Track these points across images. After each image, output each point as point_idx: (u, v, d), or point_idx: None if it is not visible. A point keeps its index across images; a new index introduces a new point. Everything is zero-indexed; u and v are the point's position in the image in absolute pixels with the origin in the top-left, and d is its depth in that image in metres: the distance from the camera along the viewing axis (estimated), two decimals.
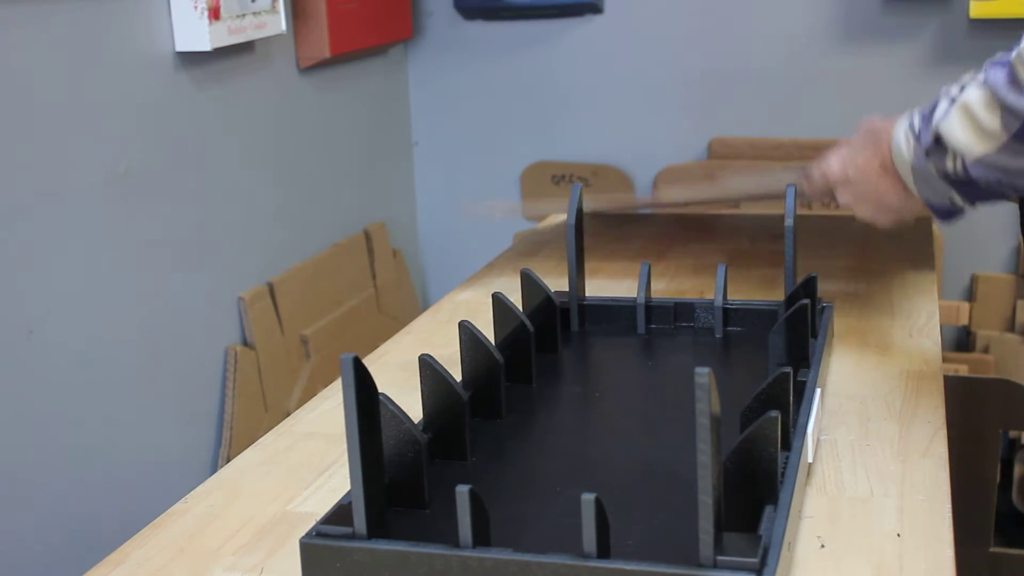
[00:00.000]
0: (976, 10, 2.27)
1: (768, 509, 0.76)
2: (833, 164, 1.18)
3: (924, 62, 2.45)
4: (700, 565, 0.69)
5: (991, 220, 2.37)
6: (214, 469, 1.99)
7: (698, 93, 2.61)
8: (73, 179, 1.67)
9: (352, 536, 0.75)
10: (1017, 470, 2.28)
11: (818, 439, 0.96)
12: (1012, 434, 2.36)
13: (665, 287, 1.46)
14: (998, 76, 0.94)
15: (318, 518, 0.79)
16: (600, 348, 1.19)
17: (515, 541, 0.74)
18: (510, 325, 1.06)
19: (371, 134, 2.61)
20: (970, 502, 1.75)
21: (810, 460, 0.90)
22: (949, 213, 1.09)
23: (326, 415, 1.10)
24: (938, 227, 2.10)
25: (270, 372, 2.14)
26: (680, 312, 1.22)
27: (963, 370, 2.33)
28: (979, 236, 2.47)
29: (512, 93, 2.73)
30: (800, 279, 1.16)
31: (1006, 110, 0.93)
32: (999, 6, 2.26)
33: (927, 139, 1.02)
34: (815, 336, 1.10)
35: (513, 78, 2.73)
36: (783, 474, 0.80)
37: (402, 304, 2.67)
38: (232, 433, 2.01)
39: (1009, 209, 1.50)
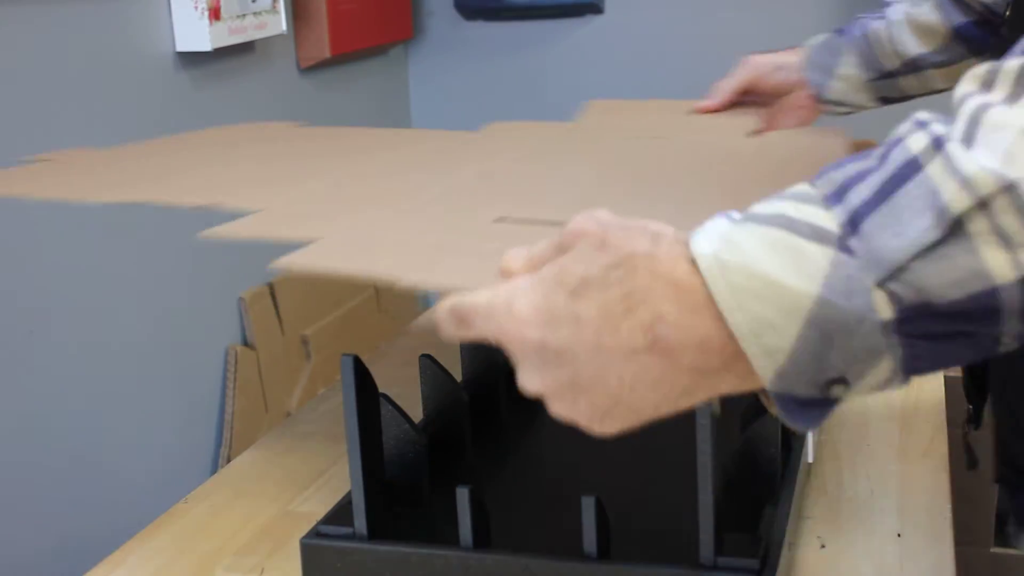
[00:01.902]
0: None
1: (768, 509, 0.76)
2: (522, 306, 0.52)
3: None
4: (700, 565, 0.69)
5: None
6: (214, 469, 1.99)
7: (698, 94, 2.60)
8: None
9: (352, 536, 0.75)
10: None
11: (818, 439, 0.96)
12: None
13: None
14: None
15: (318, 518, 0.79)
16: None
17: (515, 541, 0.74)
18: None
19: None
20: (970, 502, 1.75)
21: (810, 460, 0.90)
22: (813, 407, 0.48)
23: (326, 415, 1.10)
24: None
25: (270, 372, 2.14)
26: None
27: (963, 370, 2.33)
28: None
29: (512, 93, 2.73)
30: None
31: None
32: None
33: (946, 219, 0.43)
34: None
35: (513, 78, 2.73)
36: (783, 474, 0.80)
37: (402, 304, 2.67)
38: (232, 433, 2.01)
39: None
